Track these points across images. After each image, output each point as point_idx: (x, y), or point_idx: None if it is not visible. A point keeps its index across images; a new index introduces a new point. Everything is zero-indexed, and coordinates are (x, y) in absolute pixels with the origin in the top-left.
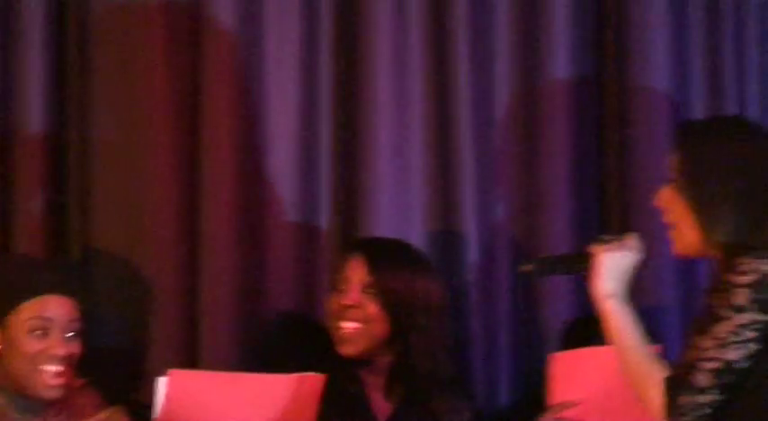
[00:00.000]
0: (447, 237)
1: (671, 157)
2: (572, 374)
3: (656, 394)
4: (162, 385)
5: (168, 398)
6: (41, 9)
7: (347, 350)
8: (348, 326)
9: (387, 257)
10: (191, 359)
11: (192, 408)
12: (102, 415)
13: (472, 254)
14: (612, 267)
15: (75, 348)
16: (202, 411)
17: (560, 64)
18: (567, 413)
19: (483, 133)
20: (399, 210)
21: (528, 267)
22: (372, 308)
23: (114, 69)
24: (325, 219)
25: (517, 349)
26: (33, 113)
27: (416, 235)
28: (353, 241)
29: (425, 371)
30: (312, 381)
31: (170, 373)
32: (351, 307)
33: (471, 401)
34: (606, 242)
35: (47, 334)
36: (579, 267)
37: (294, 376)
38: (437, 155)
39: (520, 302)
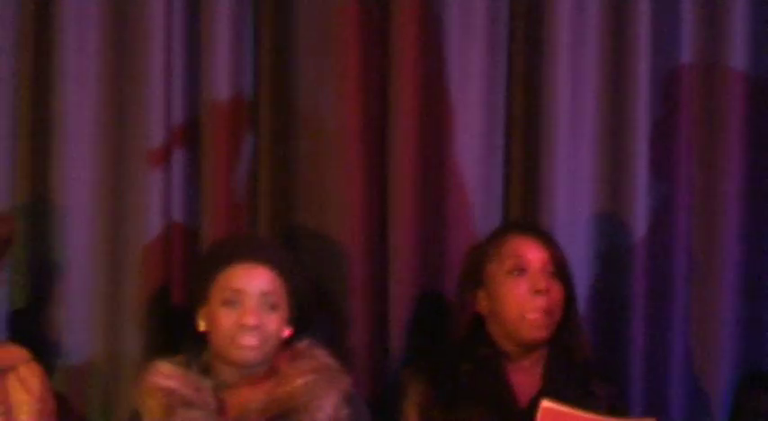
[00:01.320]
0: (616, 226)
1: None
2: None
3: None
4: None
5: None
6: None
7: (539, 335)
8: (538, 313)
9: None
10: (381, 334)
11: None
12: None
13: (640, 241)
14: None
15: (270, 322)
16: None
17: (739, 55)
18: None
19: (659, 123)
20: (571, 201)
21: None
22: (559, 293)
23: (308, 45)
24: (503, 205)
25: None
26: (223, 87)
27: (586, 222)
28: (528, 224)
29: (581, 355)
30: None
31: (543, 407)
32: (544, 292)
33: (618, 386)
34: None
35: (239, 304)
36: None
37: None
38: (610, 149)
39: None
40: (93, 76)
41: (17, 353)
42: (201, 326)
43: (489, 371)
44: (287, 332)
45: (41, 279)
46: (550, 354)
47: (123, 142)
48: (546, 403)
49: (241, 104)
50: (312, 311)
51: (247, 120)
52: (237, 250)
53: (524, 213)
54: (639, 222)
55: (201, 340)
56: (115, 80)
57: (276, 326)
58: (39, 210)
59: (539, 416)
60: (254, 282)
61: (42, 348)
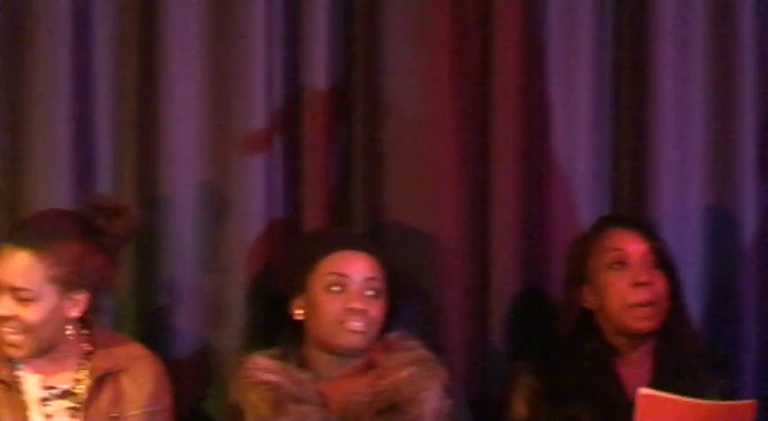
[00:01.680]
0: (725, 218)
1: None
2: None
3: None
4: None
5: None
6: None
7: (645, 326)
8: (642, 305)
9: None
10: (479, 328)
11: None
12: None
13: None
14: None
15: (373, 308)
16: None
17: None
18: None
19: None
20: (679, 194)
21: None
22: (662, 284)
23: (402, 32)
24: (611, 198)
25: None
26: (320, 80)
27: (694, 214)
28: (627, 217)
29: (690, 347)
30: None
31: (640, 394)
32: (646, 284)
33: (728, 378)
34: None
35: (344, 289)
36: None
37: (748, 403)
38: (718, 141)
39: None
40: (195, 69)
41: (132, 349)
42: (298, 315)
43: (598, 366)
44: None
45: (146, 273)
46: (658, 347)
47: (225, 136)
48: (643, 390)
49: (336, 97)
50: (402, 304)
51: (342, 112)
52: (339, 238)
53: (632, 206)
54: (748, 214)
55: (296, 332)
56: (217, 73)
57: (379, 312)
58: (143, 205)
59: (637, 404)
60: (358, 267)
61: (147, 342)
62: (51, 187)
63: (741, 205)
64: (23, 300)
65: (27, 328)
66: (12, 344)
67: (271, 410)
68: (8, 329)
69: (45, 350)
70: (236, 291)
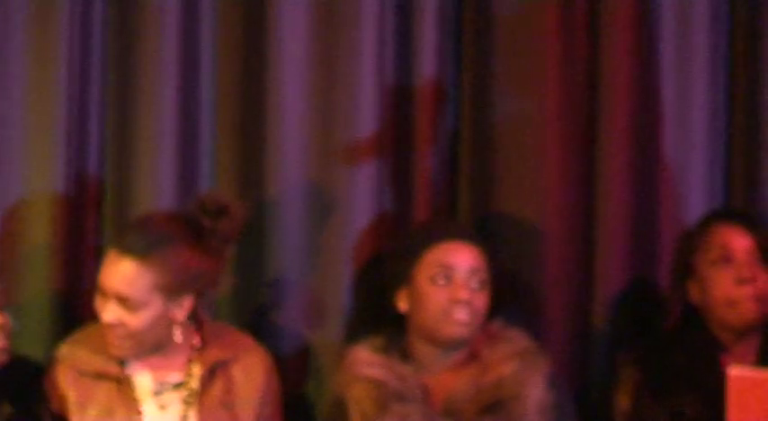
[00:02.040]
0: None
1: None
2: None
3: None
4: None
5: (732, 402)
6: None
7: (750, 321)
8: (746, 301)
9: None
10: (582, 321)
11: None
12: None
13: None
14: None
15: (478, 299)
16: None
17: None
18: None
19: None
20: None
21: None
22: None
23: (511, 28)
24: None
25: None
26: (428, 71)
27: None
28: (734, 212)
29: None
30: None
31: (731, 376)
32: (750, 280)
33: None
34: None
35: (449, 280)
36: None
37: None
38: None
39: None
40: (301, 68)
41: (242, 339)
42: (402, 307)
43: (702, 359)
44: None
45: (251, 270)
46: (763, 341)
47: (332, 133)
48: (733, 370)
49: (444, 93)
50: (506, 296)
51: (449, 108)
52: (444, 229)
53: (745, 201)
54: None
55: (400, 325)
56: (324, 70)
57: (484, 303)
58: (247, 203)
59: (727, 386)
60: (463, 258)
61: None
62: (156, 183)
63: None
64: (129, 308)
65: (133, 334)
66: (119, 348)
67: (375, 408)
68: (114, 334)
69: (152, 351)
70: (341, 285)
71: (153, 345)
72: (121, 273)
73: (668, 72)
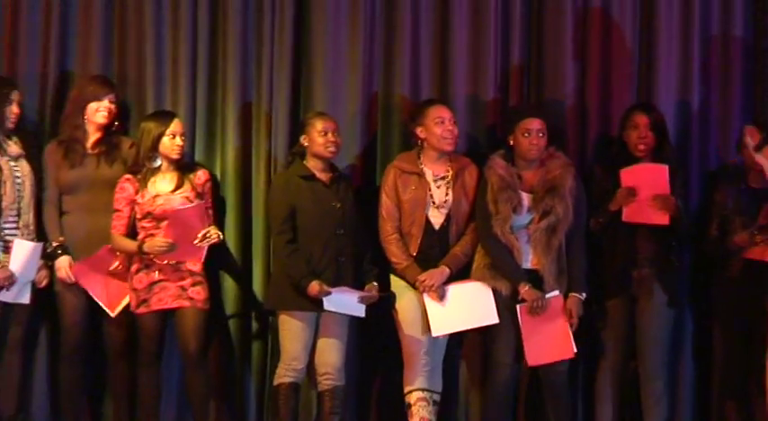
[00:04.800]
0: None
1: None
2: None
3: None
4: None
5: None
6: None
7: None
8: None
9: None
10: None
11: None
12: None
13: None
14: None
15: (542, 141)
16: None
17: None
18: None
19: None
20: None
21: None
22: None
23: None
24: None
25: None
26: None
27: None
28: None
29: None
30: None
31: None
32: None
33: None
34: None
35: (530, 134)
36: None
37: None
38: None
39: None
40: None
41: (465, 161)
42: (510, 142)
43: None
44: None
45: None
46: None
47: None
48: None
49: None
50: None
51: None
52: (527, 108)
53: None
54: None
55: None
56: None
57: (545, 142)
58: None
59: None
60: (535, 124)
61: None
62: None
63: None
64: None
65: None
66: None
67: (498, 187)
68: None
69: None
70: None
71: None
72: None
73: None
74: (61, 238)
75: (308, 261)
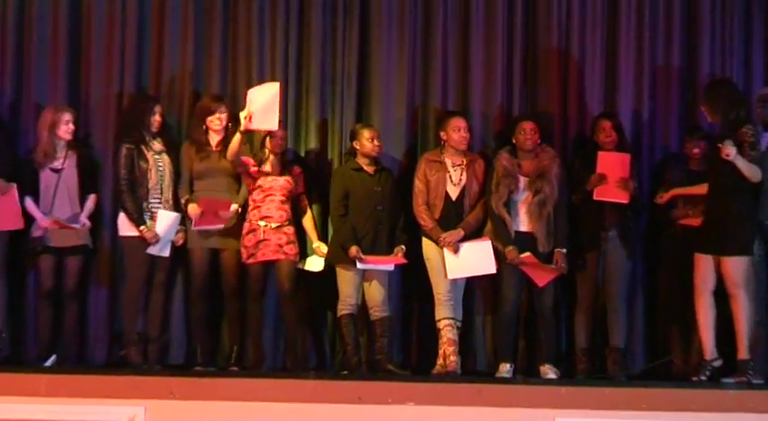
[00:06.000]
0: None
1: None
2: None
3: None
4: None
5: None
6: None
7: None
8: None
9: None
10: None
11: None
12: None
13: None
14: None
15: (537, 136)
16: None
17: None
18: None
19: None
20: None
21: None
22: None
23: None
24: None
25: None
26: None
27: None
28: None
29: None
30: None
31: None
32: None
33: None
34: None
35: (525, 133)
36: None
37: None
38: None
39: None
40: None
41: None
42: (514, 140)
43: None
44: None
45: None
46: None
47: None
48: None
49: None
50: (543, 134)
51: None
52: (523, 116)
53: None
54: None
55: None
56: None
57: (538, 137)
58: None
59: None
60: (530, 126)
61: None
62: None
63: None
64: None
65: None
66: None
67: (502, 173)
68: None
69: None
70: None
71: None
72: None
73: None
74: (187, 197)
75: (353, 229)
